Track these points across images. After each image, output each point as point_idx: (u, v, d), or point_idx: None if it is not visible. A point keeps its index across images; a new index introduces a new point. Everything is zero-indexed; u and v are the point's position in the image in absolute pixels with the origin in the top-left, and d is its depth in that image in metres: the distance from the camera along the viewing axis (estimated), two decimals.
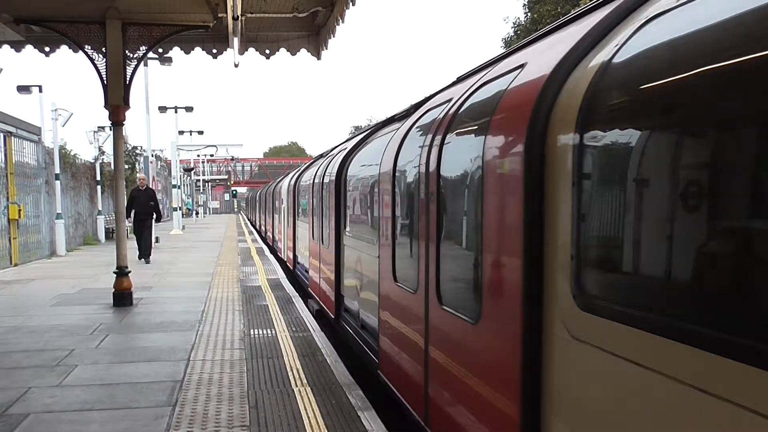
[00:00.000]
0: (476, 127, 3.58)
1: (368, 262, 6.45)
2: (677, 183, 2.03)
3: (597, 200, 2.43)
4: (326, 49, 10.32)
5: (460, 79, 4.83)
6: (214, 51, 10.77)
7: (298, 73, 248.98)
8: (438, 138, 4.12)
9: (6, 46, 10.52)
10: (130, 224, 17.10)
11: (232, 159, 65.67)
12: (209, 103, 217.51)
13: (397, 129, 5.89)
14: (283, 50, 10.77)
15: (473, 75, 4.38)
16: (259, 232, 34.25)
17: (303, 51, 10.78)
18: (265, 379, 5.93)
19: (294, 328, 8.22)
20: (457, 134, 3.89)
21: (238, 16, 8.40)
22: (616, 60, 2.40)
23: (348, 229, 7.93)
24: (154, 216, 17.23)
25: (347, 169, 8.29)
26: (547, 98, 2.72)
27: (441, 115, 4.31)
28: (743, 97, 1.78)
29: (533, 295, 2.71)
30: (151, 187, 19.64)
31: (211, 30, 9.79)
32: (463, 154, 3.73)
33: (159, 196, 23.79)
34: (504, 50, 4.20)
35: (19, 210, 16.49)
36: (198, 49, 10.81)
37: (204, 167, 67.88)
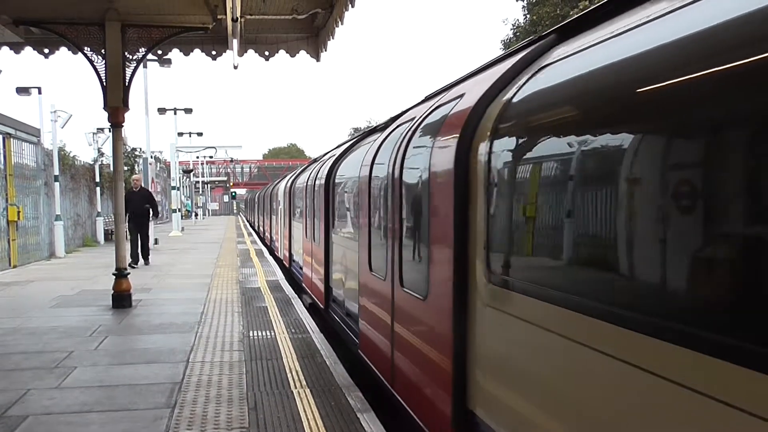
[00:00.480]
0: (427, 143, 4.39)
1: (351, 256, 7.34)
2: (555, 186, 2.78)
3: (498, 201, 3.24)
4: (325, 50, 10.33)
5: (427, 98, 5.64)
6: (214, 53, 10.77)
7: (297, 75, 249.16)
8: (401, 150, 4.99)
9: (5, 48, 10.52)
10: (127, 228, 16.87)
11: (232, 160, 65.63)
12: (208, 105, 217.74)
13: (375, 140, 6.71)
14: (282, 52, 10.77)
15: (434, 96, 5.23)
16: (257, 233, 34.26)
17: (302, 53, 10.78)
18: (265, 381, 5.93)
19: (293, 330, 8.22)
20: (414, 148, 4.74)
21: (237, 18, 8.40)
22: (514, 98, 3.25)
23: (335, 227, 8.88)
24: (151, 216, 16.60)
25: (335, 173, 9.23)
26: (472, 125, 3.57)
27: (404, 131, 5.22)
28: (586, 131, 2.57)
29: (461, 275, 3.56)
30: (146, 187, 19.17)
31: (211, 32, 9.78)
32: (418, 164, 4.55)
33: (158, 198, 23.75)
34: (456, 78, 5.01)
35: (18, 211, 16.48)
36: (197, 51, 10.80)
37: (203, 169, 67.86)
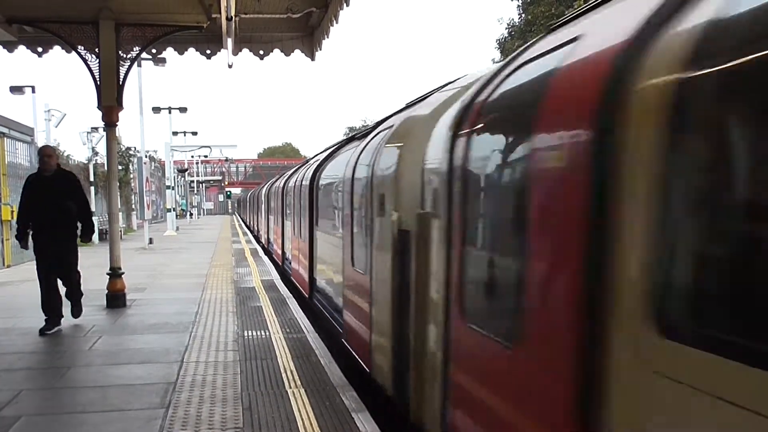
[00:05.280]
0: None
1: (330, 249, 8.49)
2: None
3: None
4: (320, 49, 10.32)
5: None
6: (208, 52, 10.74)
7: (292, 74, 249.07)
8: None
9: None
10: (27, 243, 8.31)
11: (226, 160, 65.44)
12: (203, 104, 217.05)
13: (357, 146, 7.36)
14: (277, 51, 10.75)
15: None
16: (252, 232, 34.21)
17: (297, 52, 10.77)
18: (259, 381, 5.92)
19: (288, 330, 8.21)
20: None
21: (231, 17, 8.38)
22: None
23: (318, 225, 10.00)
24: (80, 230, 8.57)
25: (319, 176, 10.25)
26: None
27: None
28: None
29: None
30: (73, 171, 10.14)
31: (205, 30, 9.76)
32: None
33: (153, 198, 22.94)
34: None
35: (12, 211, 16.39)
36: (192, 50, 10.77)
37: (198, 168, 67.63)
